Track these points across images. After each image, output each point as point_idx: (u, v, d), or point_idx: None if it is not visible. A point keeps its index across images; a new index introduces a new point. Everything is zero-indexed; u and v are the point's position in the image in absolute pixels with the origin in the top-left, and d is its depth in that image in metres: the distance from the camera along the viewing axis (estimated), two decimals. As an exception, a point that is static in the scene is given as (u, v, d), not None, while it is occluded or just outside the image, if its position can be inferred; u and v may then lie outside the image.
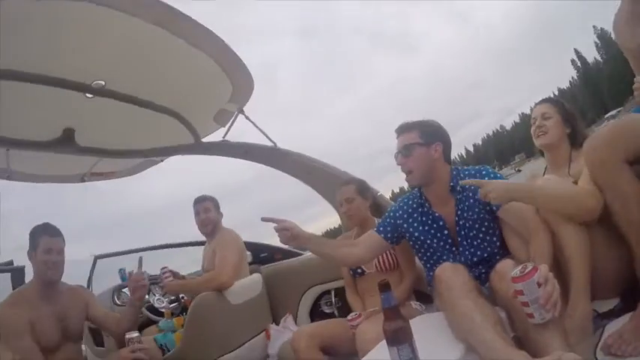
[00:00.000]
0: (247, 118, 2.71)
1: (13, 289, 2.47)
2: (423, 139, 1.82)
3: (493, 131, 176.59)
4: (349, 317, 2.09)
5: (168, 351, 2.45)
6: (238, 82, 2.34)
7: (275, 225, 1.78)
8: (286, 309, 2.91)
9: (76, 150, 2.46)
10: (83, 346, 2.27)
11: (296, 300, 2.97)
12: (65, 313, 2.04)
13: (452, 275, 1.51)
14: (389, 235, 1.96)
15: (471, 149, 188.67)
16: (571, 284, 1.45)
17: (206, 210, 2.76)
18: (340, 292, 2.79)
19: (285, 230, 1.76)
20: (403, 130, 1.88)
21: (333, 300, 2.87)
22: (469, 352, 1.35)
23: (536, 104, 2.11)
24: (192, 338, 2.36)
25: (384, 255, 2.20)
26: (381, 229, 1.98)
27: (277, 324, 2.76)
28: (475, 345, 1.33)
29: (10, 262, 2.70)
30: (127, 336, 1.99)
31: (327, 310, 2.93)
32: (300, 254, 3.34)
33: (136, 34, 1.80)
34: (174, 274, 2.69)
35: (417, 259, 2.22)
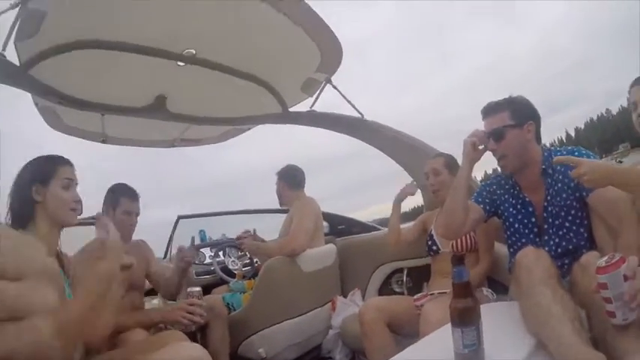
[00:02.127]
0: (335, 87, 2.65)
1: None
2: (515, 119, 1.64)
3: (598, 115, 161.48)
4: (415, 297, 2.01)
5: (234, 310, 2.53)
6: (326, 51, 2.28)
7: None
8: (356, 283, 2.88)
9: (167, 116, 2.58)
10: (156, 300, 2.38)
11: (367, 275, 2.92)
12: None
13: (534, 261, 1.35)
14: (487, 208, 1.81)
15: (572, 133, 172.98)
16: None
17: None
18: (412, 272, 2.71)
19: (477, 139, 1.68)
20: (491, 111, 1.69)
21: (405, 279, 2.77)
22: (539, 349, 1.20)
23: (634, 84, 1.53)
24: (259, 299, 2.41)
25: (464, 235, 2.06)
26: (479, 199, 1.83)
27: (345, 297, 2.74)
28: (548, 339, 1.17)
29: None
30: (189, 290, 2.07)
31: (397, 289, 2.85)
32: (378, 229, 3.26)
33: (225, 3, 1.81)
34: (255, 237, 2.76)
35: (496, 245, 2.09)
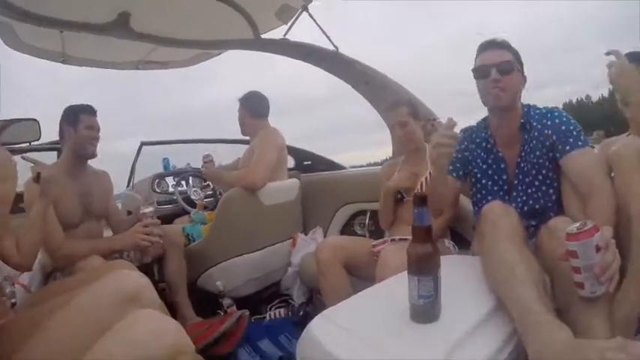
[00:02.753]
0: (311, 16, 2.52)
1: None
2: (517, 63, 1.60)
3: (577, 99, 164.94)
4: (374, 242, 2.01)
5: (194, 241, 2.51)
6: None
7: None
8: (318, 221, 2.88)
9: (130, 35, 2.40)
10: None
11: (329, 214, 2.91)
12: (89, 191, 2.09)
13: (500, 215, 1.30)
14: (460, 174, 1.79)
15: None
16: (629, 267, 1.18)
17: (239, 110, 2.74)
18: (375, 215, 2.69)
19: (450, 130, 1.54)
20: (497, 45, 1.61)
21: (367, 222, 2.78)
22: (499, 309, 1.14)
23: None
24: (218, 231, 2.39)
25: (428, 182, 2.04)
26: (451, 167, 1.79)
27: (306, 235, 2.74)
28: (509, 301, 1.11)
29: (58, 142, 2.78)
30: (142, 210, 2.06)
31: (358, 230, 2.86)
32: (343, 168, 3.23)
33: None
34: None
35: (461, 198, 2.05)
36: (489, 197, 1.70)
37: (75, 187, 2.03)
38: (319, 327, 1.09)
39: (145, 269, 1.97)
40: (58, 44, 2.53)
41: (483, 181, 1.73)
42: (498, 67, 1.56)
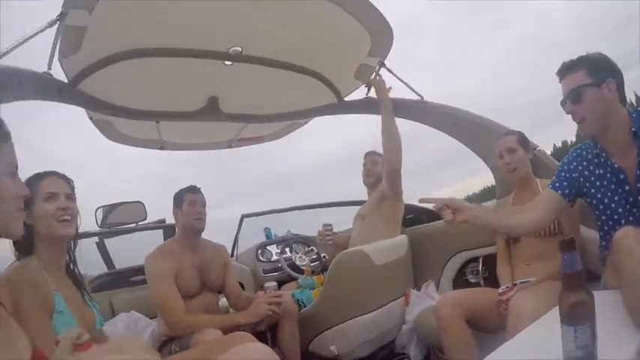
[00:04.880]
0: (389, 70, 2.54)
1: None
2: (593, 77, 1.46)
3: None
4: (500, 290, 1.87)
5: (305, 306, 2.49)
6: (377, 34, 2.19)
7: (434, 205, 1.62)
8: (429, 275, 2.74)
9: (221, 117, 2.60)
10: (223, 299, 2.40)
11: (440, 266, 2.77)
12: (206, 264, 2.19)
13: (636, 242, 1.17)
14: (567, 192, 1.62)
15: None
16: None
17: (374, 162, 2.81)
18: (488, 261, 2.53)
19: (447, 208, 1.56)
20: (567, 70, 1.52)
21: (480, 269, 2.61)
22: None
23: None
24: (330, 295, 2.35)
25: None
26: (557, 184, 1.64)
27: (418, 290, 2.61)
28: None
29: (163, 221, 2.98)
30: (266, 285, 2.15)
31: (472, 279, 2.69)
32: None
33: None
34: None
35: (581, 228, 1.91)
36: (615, 216, 1.53)
37: (193, 260, 2.14)
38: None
39: (259, 338, 1.98)
40: (154, 133, 2.79)
41: (605, 200, 1.55)
42: (569, 97, 1.50)
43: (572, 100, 1.49)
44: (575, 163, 1.64)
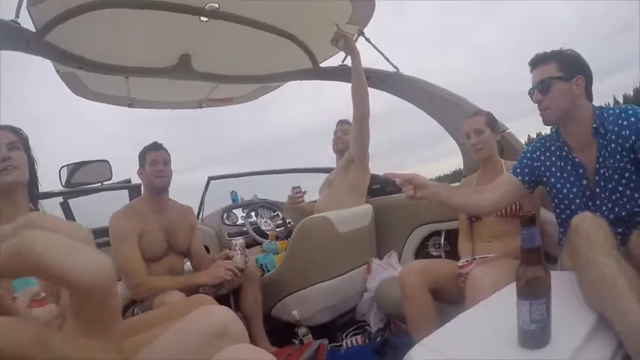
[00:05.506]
0: (368, 40, 2.52)
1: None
2: (563, 71, 1.53)
3: None
4: (460, 263, 1.92)
5: (268, 271, 2.51)
6: (357, 1, 2.16)
7: (398, 180, 1.62)
8: (392, 245, 2.79)
9: (193, 76, 2.54)
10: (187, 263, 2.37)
11: (403, 237, 2.83)
12: (173, 226, 2.15)
13: (593, 227, 1.22)
14: (527, 179, 1.70)
15: (620, 99, 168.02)
16: None
17: (344, 131, 2.82)
18: (450, 235, 2.62)
19: (409, 183, 1.60)
20: (539, 61, 1.59)
21: (442, 242, 2.69)
22: (601, 325, 1.08)
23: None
24: (293, 260, 2.37)
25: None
26: (518, 170, 1.73)
27: (381, 259, 2.66)
28: (613, 316, 1.05)
29: (128, 181, 2.90)
30: (233, 241, 2.17)
31: (433, 252, 2.76)
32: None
33: None
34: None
35: (542, 211, 2.00)
36: (573, 207, 1.61)
37: (159, 222, 2.10)
38: (420, 356, 1.02)
39: (221, 301, 1.98)
40: (123, 89, 2.69)
41: (564, 191, 1.63)
42: (538, 87, 1.57)
43: (541, 90, 1.56)
44: (538, 153, 1.71)
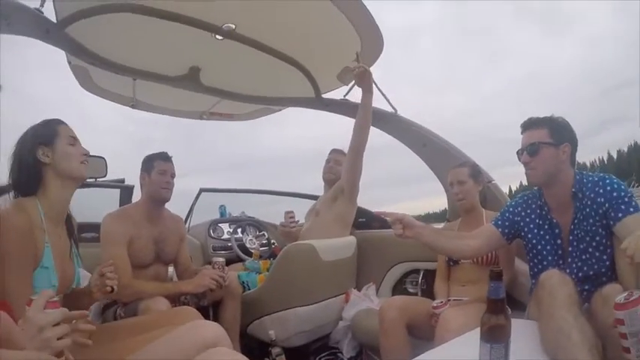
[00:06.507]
0: (372, 80, 2.61)
1: (120, 205, 2.71)
2: (553, 138, 1.67)
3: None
4: (434, 304, 2.00)
5: (249, 289, 2.55)
6: (367, 42, 2.26)
7: (389, 218, 1.76)
8: (371, 278, 2.86)
9: (199, 88, 2.61)
10: (170, 269, 2.39)
11: (382, 272, 2.90)
12: (163, 237, 2.18)
13: (558, 284, 1.36)
14: (506, 231, 1.83)
15: (615, 155, 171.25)
16: None
17: (337, 162, 2.84)
18: (428, 275, 2.69)
19: (399, 222, 1.72)
20: (531, 125, 1.73)
21: (420, 281, 2.76)
22: None
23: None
24: (274, 282, 2.42)
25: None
26: (499, 222, 1.85)
27: (359, 290, 2.73)
28: None
29: (122, 180, 2.94)
30: (214, 259, 2.19)
31: (411, 289, 2.83)
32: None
33: None
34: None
35: (516, 261, 2.12)
36: (545, 263, 1.73)
37: (151, 232, 2.13)
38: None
39: (202, 313, 2.02)
40: (129, 90, 2.74)
41: (539, 247, 1.75)
42: (527, 149, 1.69)
43: (530, 152, 1.68)
44: (519, 209, 1.84)
